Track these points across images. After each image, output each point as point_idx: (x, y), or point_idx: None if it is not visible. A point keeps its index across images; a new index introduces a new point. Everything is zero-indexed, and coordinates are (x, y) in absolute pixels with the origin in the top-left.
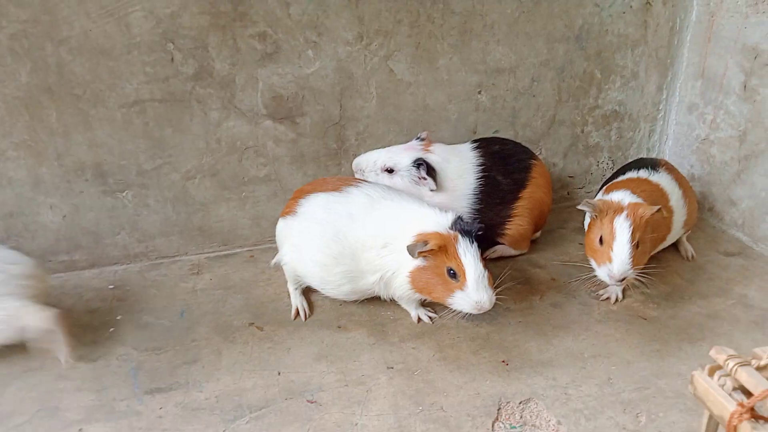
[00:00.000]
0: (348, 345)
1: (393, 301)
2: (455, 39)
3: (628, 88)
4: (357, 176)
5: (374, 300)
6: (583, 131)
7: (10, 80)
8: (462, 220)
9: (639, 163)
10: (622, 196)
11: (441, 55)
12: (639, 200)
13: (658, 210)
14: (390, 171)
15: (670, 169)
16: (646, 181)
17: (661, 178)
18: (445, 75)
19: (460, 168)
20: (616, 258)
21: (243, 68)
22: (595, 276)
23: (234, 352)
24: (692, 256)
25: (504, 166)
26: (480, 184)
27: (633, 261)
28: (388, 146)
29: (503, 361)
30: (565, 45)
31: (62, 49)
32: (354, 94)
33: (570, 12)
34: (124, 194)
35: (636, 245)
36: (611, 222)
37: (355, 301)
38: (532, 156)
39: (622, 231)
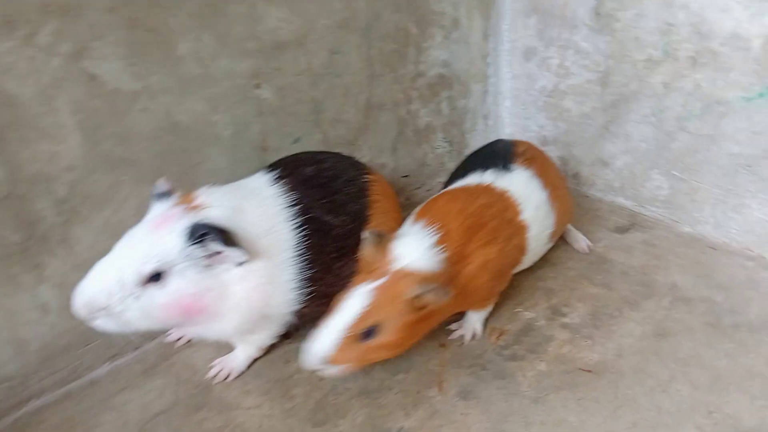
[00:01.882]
0: None
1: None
2: (197, 4)
3: (451, 41)
4: (102, 323)
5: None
6: (408, 112)
7: None
8: None
9: (487, 159)
10: (408, 244)
11: (180, 34)
12: (434, 254)
13: (434, 291)
14: (157, 277)
15: (531, 160)
16: (487, 189)
17: (512, 181)
18: (195, 67)
19: (264, 218)
20: (315, 342)
21: None
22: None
23: None
24: (589, 246)
25: (327, 197)
26: (303, 236)
27: (339, 356)
28: (128, 209)
29: None
30: None
31: None
32: (30, 134)
33: None
34: None
35: (365, 334)
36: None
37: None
38: (363, 171)
39: (344, 310)
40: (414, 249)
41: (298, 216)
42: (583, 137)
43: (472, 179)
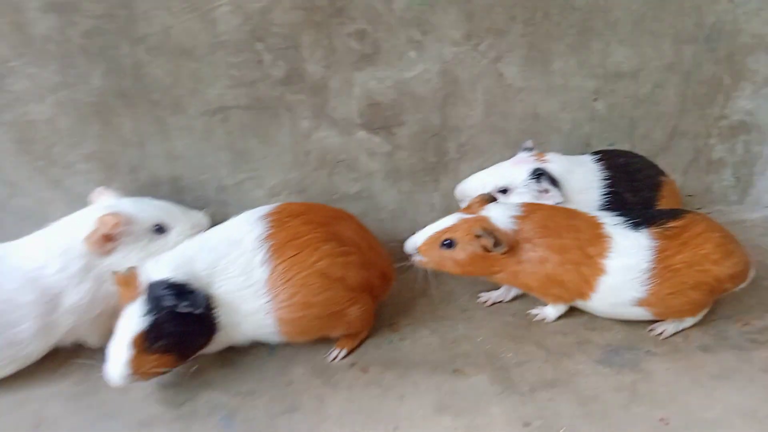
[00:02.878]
0: (471, 394)
1: (516, 341)
2: (573, 39)
3: (759, 96)
4: (462, 206)
5: (493, 337)
6: (706, 144)
7: (82, 84)
8: None
9: (640, 211)
10: (499, 206)
11: (556, 57)
12: (510, 221)
13: (487, 237)
14: (504, 191)
15: (672, 237)
16: (592, 223)
17: (625, 236)
18: (559, 79)
19: (584, 181)
20: (414, 234)
21: (338, 71)
22: None
23: (339, 399)
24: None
25: (631, 182)
26: (606, 201)
27: (423, 249)
28: (492, 161)
29: (661, 419)
30: (693, 46)
31: (139, 49)
32: (458, 101)
33: (702, 8)
34: (201, 213)
35: (443, 243)
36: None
37: (466, 339)
38: (661, 172)
39: (439, 223)
40: (500, 210)
41: (606, 187)
42: None
43: (599, 212)
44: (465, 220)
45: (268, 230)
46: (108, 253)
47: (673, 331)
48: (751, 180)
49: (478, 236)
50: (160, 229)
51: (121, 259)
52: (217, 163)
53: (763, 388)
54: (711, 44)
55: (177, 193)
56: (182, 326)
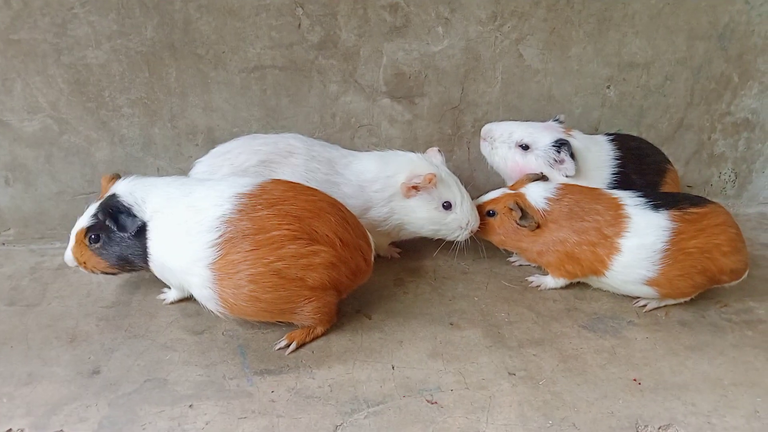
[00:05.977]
0: (463, 344)
1: (510, 303)
2: (592, 27)
3: (765, 95)
4: (484, 145)
5: (489, 298)
6: (709, 138)
7: (136, 34)
8: None
9: (661, 194)
10: (539, 185)
11: (575, 43)
12: (543, 204)
13: (517, 211)
14: (525, 148)
15: (687, 220)
16: (614, 204)
17: (643, 216)
18: (575, 65)
19: (599, 158)
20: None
21: (369, 40)
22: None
23: (343, 340)
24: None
25: (639, 164)
26: (615, 180)
27: (479, 220)
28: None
29: (634, 380)
30: (706, 43)
31: (191, 5)
32: (478, 78)
33: (717, 8)
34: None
35: (488, 212)
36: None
37: (464, 297)
38: (667, 160)
39: (486, 195)
40: (537, 188)
41: (617, 167)
42: None
43: (624, 192)
44: (506, 195)
45: (232, 214)
46: (407, 197)
47: (656, 306)
48: (750, 176)
49: (510, 209)
50: (447, 206)
51: (407, 205)
52: (249, 118)
53: (731, 360)
54: (723, 43)
55: (210, 143)
56: None
